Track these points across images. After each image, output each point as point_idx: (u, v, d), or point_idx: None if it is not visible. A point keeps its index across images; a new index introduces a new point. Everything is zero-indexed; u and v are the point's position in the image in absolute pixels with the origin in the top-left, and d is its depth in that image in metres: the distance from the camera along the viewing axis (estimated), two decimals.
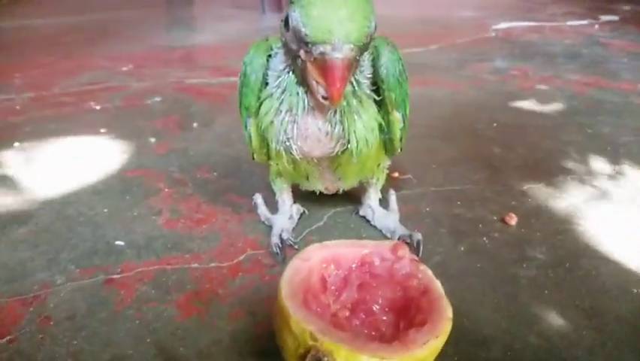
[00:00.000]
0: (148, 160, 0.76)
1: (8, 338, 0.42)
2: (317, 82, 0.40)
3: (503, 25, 1.93)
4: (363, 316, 0.38)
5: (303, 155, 0.48)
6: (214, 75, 1.24)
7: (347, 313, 0.37)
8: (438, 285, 0.38)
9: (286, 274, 0.37)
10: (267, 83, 0.48)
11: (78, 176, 0.71)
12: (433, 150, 0.80)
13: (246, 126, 0.52)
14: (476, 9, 2.42)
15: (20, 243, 0.55)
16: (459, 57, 1.43)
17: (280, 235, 0.54)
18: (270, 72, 0.48)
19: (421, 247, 0.52)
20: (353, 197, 0.62)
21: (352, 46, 0.38)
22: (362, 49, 0.39)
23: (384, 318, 0.38)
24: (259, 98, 0.48)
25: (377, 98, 0.48)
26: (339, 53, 0.38)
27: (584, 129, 0.89)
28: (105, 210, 0.62)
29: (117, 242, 0.55)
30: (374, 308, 0.38)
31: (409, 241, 0.53)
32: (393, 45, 0.48)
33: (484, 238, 0.56)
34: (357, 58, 0.40)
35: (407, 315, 0.37)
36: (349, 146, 0.47)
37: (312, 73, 0.40)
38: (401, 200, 0.63)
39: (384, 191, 0.60)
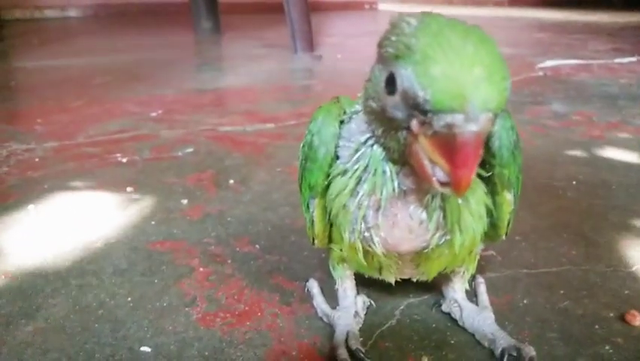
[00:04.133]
0: (179, 229, 0.65)
1: None
2: (432, 162, 0.29)
3: (549, 64, 1.82)
4: None
5: (387, 249, 0.37)
6: (248, 121, 1.15)
7: None
8: None
9: None
10: (337, 156, 0.38)
11: (99, 249, 0.61)
12: None
13: (308, 207, 0.41)
14: (513, 46, 2.33)
15: (27, 346, 0.45)
16: (512, 99, 1.31)
17: (346, 342, 0.43)
18: (342, 142, 0.37)
19: None
20: (428, 283, 0.50)
21: (491, 115, 0.28)
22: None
23: None
24: (328, 175, 0.38)
25: (486, 175, 0.37)
26: (475, 125, 0.27)
27: None
28: (129, 300, 0.51)
29: (142, 348, 0.44)
30: None
31: (515, 354, 0.41)
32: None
33: (607, 347, 0.44)
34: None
35: None
36: (450, 238, 0.36)
37: (428, 150, 0.29)
38: (489, 287, 0.51)
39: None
